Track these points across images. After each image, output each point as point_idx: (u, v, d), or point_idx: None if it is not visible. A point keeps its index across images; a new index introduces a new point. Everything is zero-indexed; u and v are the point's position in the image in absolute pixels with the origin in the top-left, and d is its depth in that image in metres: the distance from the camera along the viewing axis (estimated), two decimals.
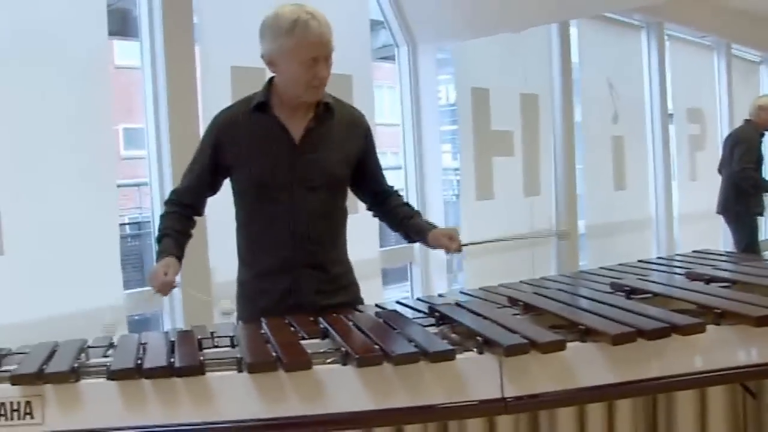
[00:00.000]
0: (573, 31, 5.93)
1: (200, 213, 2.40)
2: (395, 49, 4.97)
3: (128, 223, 7.10)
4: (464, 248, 2.42)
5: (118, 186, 3.47)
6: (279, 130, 2.27)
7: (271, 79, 2.30)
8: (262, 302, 2.29)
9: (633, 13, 6.46)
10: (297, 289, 2.27)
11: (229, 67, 3.72)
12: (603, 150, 6.25)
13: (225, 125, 2.31)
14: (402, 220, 2.47)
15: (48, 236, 3.08)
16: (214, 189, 2.38)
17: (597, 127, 6.18)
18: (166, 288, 2.15)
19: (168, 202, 2.38)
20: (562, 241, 2.36)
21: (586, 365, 1.68)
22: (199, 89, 3.61)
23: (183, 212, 2.34)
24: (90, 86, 3.24)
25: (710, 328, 1.74)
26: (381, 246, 4.53)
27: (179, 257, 2.24)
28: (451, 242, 2.35)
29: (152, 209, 3.63)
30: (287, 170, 2.25)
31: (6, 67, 2.98)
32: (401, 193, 2.59)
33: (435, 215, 4.93)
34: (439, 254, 4.94)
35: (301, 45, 2.15)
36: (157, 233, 2.32)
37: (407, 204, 2.54)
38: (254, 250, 2.33)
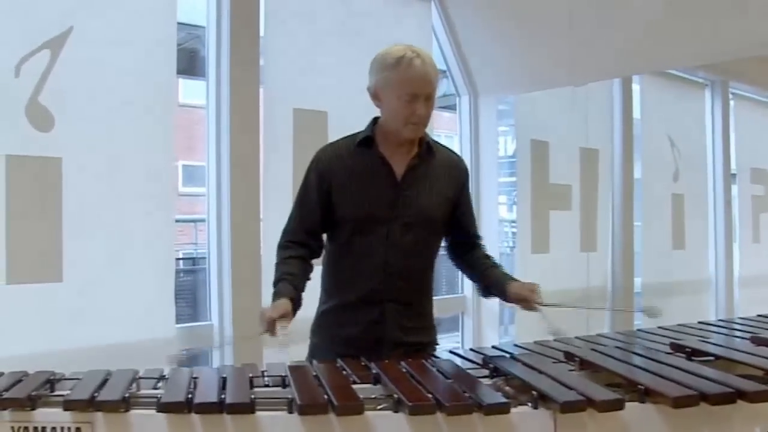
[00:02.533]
0: (635, 87, 5.88)
1: (318, 253, 2.39)
2: (456, 98, 4.98)
3: (183, 258, 7.18)
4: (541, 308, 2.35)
5: (176, 221, 3.51)
6: (382, 166, 2.30)
7: (376, 118, 2.35)
8: (346, 332, 2.30)
9: (697, 71, 6.39)
10: (382, 322, 2.28)
11: (291, 109, 3.77)
12: (662, 208, 6.13)
13: (329, 159, 2.33)
14: (483, 271, 2.47)
15: (105, 266, 3.13)
16: (325, 225, 2.36)
17: (657, 185, 6.09)
18: (271, 327, 2.11)
19: (280, 247, 2.36)
20: (651, 318, 2.33)
21: (644, 427, 1.62)
22: (261, 130, 3.66)
23: (298, 254, 2.32)
24: (155, 122, 3.31)
25: None
26: (434, 295, 4.49)
27: (293, 298, 2.20)
28: (532, 295, 2.32)
29: (208, 245, 3.67)
30: (388, 206, 2.28)
31: (80, 97, 3.07)
32: (484, 245, 2.56)
33: None
34: (492, 306, 4.90)
35: (403, 80, 2.21)
36: (274, 279, 2.29)
37: (489, 256, 2.53)
38: (343, 281, 2.34)
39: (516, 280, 2.43)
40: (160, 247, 3.33)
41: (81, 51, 3.07)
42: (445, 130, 6.11)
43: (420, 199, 2.31)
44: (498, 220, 5.16)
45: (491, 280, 2.44)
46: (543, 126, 5.21)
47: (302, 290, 2.27)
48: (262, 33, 3.70)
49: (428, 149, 2.35)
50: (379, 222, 2.28)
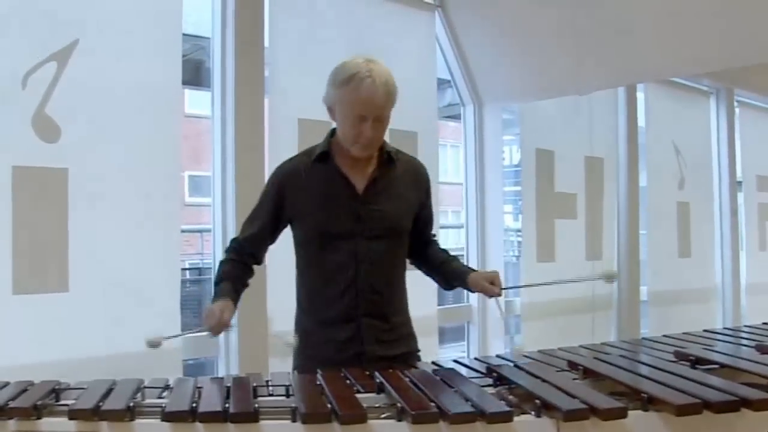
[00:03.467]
0: (640, 95, 5.88)
1: (260, 262, 2.43)
2: (461, 107, 4.99)
3: (189, 268, 7.21)
4: (505, 292, 2.41)
5: (182, 231, 3.52)
6: (341, 181, 2.29)
7: (334, 130, 2.33)
8: (324, 350, 2.29)
9: (702, 79, 6.39)
10: (358, 338, 2.28)
11: (296, 119, 3.78)
12: (668, 216, 6.12)
13: (287, 176, 2.34)
14: (441, 264, 2.48)
15: (111, 276, 3.14)
16: (274, 238, 2.41)
17: (662, 193, 6.08)
18: (219, 328, 2.16)
19: (228, 250, 2.42)
20: (608, 283, 2.31)
21: None
22: (267, 140, 3.68)
23: (243, 260, 2.38)
24: (161, 133, 3.32)
25: None
26: (439, 304, 4.49)
27: (235, 300, 2.26)
28: (492, 286, 2.33)
29: (213, 255, 3.67)
30: (351, 220, 2.27)
31: (86, 108, 3.09)
32: (438, 240, 2.59)
33: None
34: (497, 315, 4.89)
35: (351, 100, 2.18)
36: (215, 277, 2.36)
37: (444, 250, 2.53)
38: (315, 299, 2.34)
39: (474, 270, 2.45)
40: (166, 257, 3.34)
41: (87, 63, 3.08)
42: (451, 139, 6.13)
43: (385, 211, 2.29)
44: (503, 229, 5.15)
45: (452, 273, 2.45)
46: (548, 135, 5.21)
47: (241, 293, 2.33)
48: (266, 44, 3.71)
49: (389, 159, 2.33)
50: (343, 237, 2.26)
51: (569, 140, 5.30)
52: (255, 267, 2.42)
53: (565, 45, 4.20)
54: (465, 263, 2.52)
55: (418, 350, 2.43)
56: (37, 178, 2.98)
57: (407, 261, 2.52)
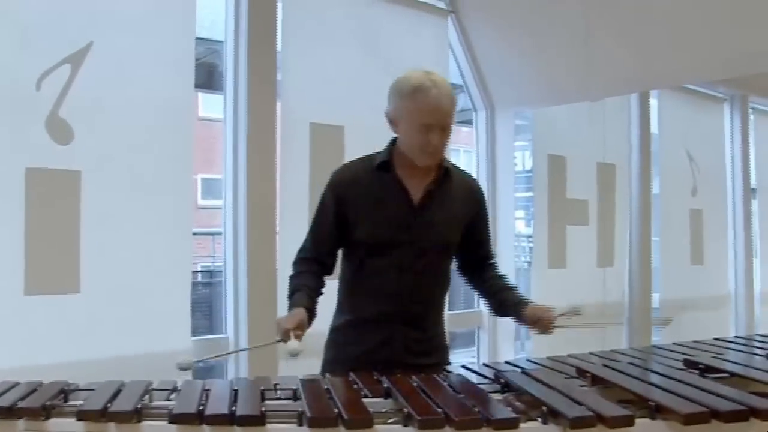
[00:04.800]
0: (653, 102, 5.86)
1: (331, 271, 2.42)
2: (473, 113, 4.99)
3: (200, 271, 7.23)
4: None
5: (194, 234, 3.53)
6: (399, 190, 2.32)
7: (394, 140, 2.36)
8: (354, 350, 2.32)
9: (716, 85, 6.36)
10: (389, 343, 2.30)
11: (308, 123, 3.80)
12: (680, 223, 6.10)
13: (347, 181, 2.35)
14: (497, 292, 2.48)
15: (123, 278, 3.16)
16: (339, 244, 2.39)
17: (675, 200, 6.05)
18: (287, 336, 2.12)
19: (296, 262, 2.41)
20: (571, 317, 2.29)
21: None
22: (278, 143, 3.69)
23: (312, 269, 2.36)
24: (174, 136, 3.34)
25: None
26: (449, 309, 4.48)
27: (308, 308, 2.23)
28: (547, 314, 2.33)
29: (224, 258, 3.69)
30: (403, 230, 2.30)
31: (99, 110, 3.11)
32: (497, 264, 2.58)
33: None
34: (508, 320, 4.87)
35: (419, 109, 2.21)
36: (288, 292, 2.33)
37: (503, 276, 2.54)
38: (356, 300, 2.37)
39: (530, 302, 2.43)
40: (178, 259, 3.36)
41: (101, 66, 3.11)
42: (463, 144, 6.12)
43: (435, 225, 2.33)
44: (515, 234, 5.14)
45: (508, 301, 2.45)
46: (560, 141, 5.20)
47: (316, 302, 2.30)
48: (279, 47, 3.73)
49: (446, 174, 2.36)
50: (393, 246, 2.29)
51: (581, 146, 5.29)
52: (325, 278, 2.40)
53: (578, 51, 4.19)
54: (520, 294, 2.49)
55: (449, 363, 2.43)
56: (50, 180, 3.01)
57: (465, 278, 2.56)
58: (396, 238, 2.29)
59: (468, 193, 2.43)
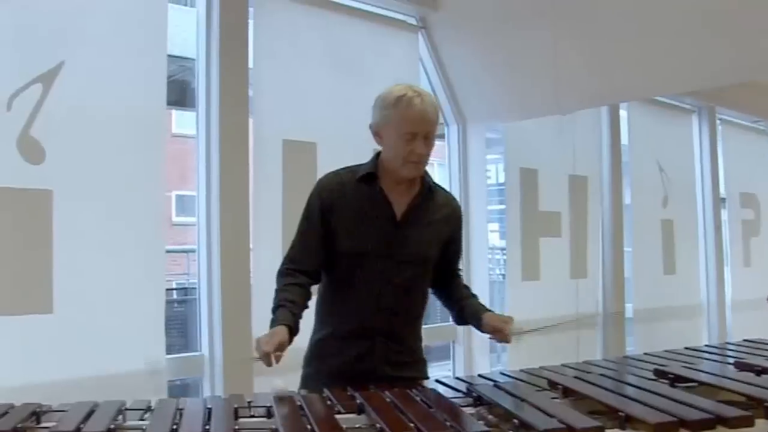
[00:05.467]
0: (623, 114, 5.94)
1: (318, 280, 2.41)
2: (445, 127, 5.02)
3: (175, 289, 7.19)
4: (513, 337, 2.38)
5: (168, 251, 3.52)
6: (383, 203, 2.35)
7: (379, 153, 2.39)
8: (334, 362, 2.33)
9: (684, 97, 6.46)
10: (370, 355, 2.32)
11: (280, 139, 3.80)
12: (652, 233, 6.17)
13: (332, 190, 2.37)
14: (459, 300, 2.53)
15: (96, 297, 3.13)
16: (325, 253, 2.37)
17: (646, 210, 6.13)
18: (266, 358, 2.09)
19: (280, 274, 2.38)
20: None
21: None
22: (251, 160, 3.69)
23: (298, 281, 2.34)
24: (146, 153, 3.33)
25: (759, 422, 1.68)
26: (424, 323, 4.49)
27: (290, 325, 2.20)
28: (505, 326, 2.35)
29: (198, 275, 3.68)
30: (385, 244, 2.32)
31: (71, 129, 3.10)
32: (462, 276, 2.64)
33: (480, 294, 4.83)
34: (483, 334, 4.89)
35: (403, 119, 2.26)
36: (273, 305, 2.30)
37: (467, 287, 2.60)
38: (336, 313, 2.38)
39: (491, 311, 2.47)
40: (151, 277, 3.34)
41: (72, 84, 3.09)
42: (437, 158, 6.14)
43: (417, 239, 2.36)
44: (488, 247, 5.17)
45: (468, 310, 2.49)
46: (532, 154, 5.25)
47: (300, 317, 2.28)
48: (250, 64, 3.74)
49: (429, 190, 2.40)
50: (375, 258, 2.32)
51: (553, 159, 5.34)
52: (311, 287, 2.40)
53: (547, 65, 4.24)
54: (481, 303, 2.53)
55: (427, 377, 2.45)
56: (22, 200, 2.98)
57: (431, 289, 2.56)
58: (377, 251, 2.31)
59: (449, 212, 2.47)
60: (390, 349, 2.34)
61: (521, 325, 2.42)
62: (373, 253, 2.31)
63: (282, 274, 2.37)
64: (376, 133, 2.35)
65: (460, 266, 2.63)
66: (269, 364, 2.08)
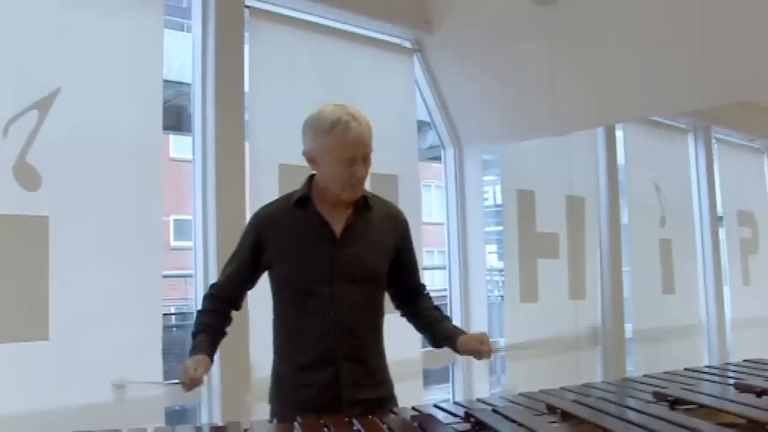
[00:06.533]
0: (619, 134, 5.95)
1: (238, 307, 2.43)
2: (442, 150, 5.04)
3: (174, 314, 7.15)
4: (495, 353, 2.38)
5: (166, 276, 3.51)
6: (320, 225, 2.31)
7: (312, 176, 2.36)
8: (302, 395, 2.27)
9: (680, 117, 6.48)
10: (336, 382, 2.26)
11: (277, 164, 3.81)
12: (650, 253, 6.17)
13: (266, 221, 2.36)
14: (431, 324, 2.46)
15: (92, 323, 3.12)
16: (253, 283, 2.41)
17: (644, 230, 6.12)
18: (192, 384, 2.13)
19: (207, 297, 2.41)
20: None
21: None
22: (248, 184, 3.69)
23: (221, 308, 2.38)
24: (143, 178, 3.33)
25: None
26: (422, 347, 4.48)
27: (211, 355, 2.26)
28: (482, 346, 2.30)
29: (195, 300, 3.66)
30: (328, 264, 2.27)
31: (67, 155, 3.10)
32: (430, 294, 2.56)
33: (479, 316, 4.89)
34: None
35: (340, 144, 2.22)
36: (193, 328, 2.34)
37: (437, 308, 2.52)
38: (293, 343, 2.33)
39: (464, 332, 2.42)
40: (148, 303, 3.33)
41: (69, 110, 3.10)
42: (435, 180, 6.17)
43: (360, 255, 2.31)
44: (486, 269, 5.16)
45: (441, 334, 2.42)
46: (529, 175, 5.26)
47: (217, 345, 2.33)
48: (246, 89, 3.75)
49: (365, 203, 2.36)
50: (321, 281, 2.27)
51: (550, 180, 5.35)
52: (234, 312, 2.42)
53: (543, 87, 4.26)
54: (453, 324, 2.47)
55: (395, 397, 2.41)
56: (18, 226, 2.98)
57: (399, 311, 2.53)
58: (322, 273, 2.27)
59: (390, 222, 2.42)
60: (355, 371, 2.28)
61: (516, 341, 2.39)
62: (318, 277, 2.27)
63: (207, 297, 2.42)
64: (310, 160, 2.30)
65: (422, 281, 2.56)
66: (188, 389, 2.12)
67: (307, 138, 2.30)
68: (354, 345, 2.29)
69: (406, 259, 2.46)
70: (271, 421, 2.24)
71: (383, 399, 2.32)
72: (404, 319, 2.55)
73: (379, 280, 2.38)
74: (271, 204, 2.42)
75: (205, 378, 2.18)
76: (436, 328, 2.44)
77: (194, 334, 2.31)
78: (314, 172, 2.35)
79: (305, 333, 2.29)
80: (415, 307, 2.50)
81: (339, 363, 2.26)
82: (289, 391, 2.31)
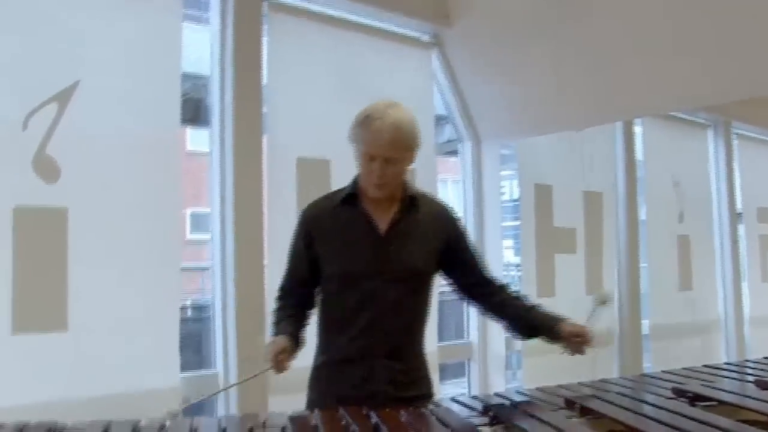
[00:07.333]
0: (637, 129, 5.91)
1: (310, 306, 2.43)
2: (459, 144, 5.02)
3: (190, 306, 7.18)
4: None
5: (183, 269, 3.52)
6: (365, 222, 2.32)
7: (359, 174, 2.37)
8: (337, 387, 2.31)
9: (699, 112, 6.43)
10: (372, 378, 2.28)
11: (294, 157, 3.81)
12: (668, 249, 6.12)
13: (312, 218, 2.38)
14: (524, 311, 2.45)
15: (111, 315, 3.14)
16: (314, 282, 2.40)
17: (662, 226, 6.08)
18: (275, 363, 2.18)
19: (277, 302, 2.45)
20: (602, 306, 2.22)
21: None
22: (265, 177, 3.70)
23: (291, 313, 2.38)
24: (161, 171, 3.34)
25: None
26: (439, 341, 4.47)
27: (293, 335, 2.28)
28: (585, 332, 2.34)
29: (213, 293, 3.68)
30: (372, 261, 2.29)
31: (86, 147, 3.12)
32: (507, 285, 2.54)
33: None
34: (498, 351, 4.87)
35: (359, 139, 2.25)
36: (272, 324, 2.37)
37: (524, 296, 2.51)
38: (333, 338, 2.36)
39: (563, 319, 2.40)
40: (166, 295, 3.34)
41: (88, 103, 3.12)
42: (452, 174, 6.16)
43: (403, 254, 2.31)
44: (503, 264, 5.15)
45: (536, 321, 2.41)
46: (546, 170, 5.23)
47: (300, 331, 2.33)
48: (264, 81, 3.75)
49: (411, 202, 2.35)
50: (364, 278, 2.28)
51: (567, 175, 5.32)
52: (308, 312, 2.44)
53: (561, 81, 4.24)
54: (550, 312, 2.46)
55: (433, 394, 2.42)
56: (38, 218, 3.00)
57: (475, 307, 2.55)
58: (365, 270, 2.28)
59: (438, 219, 2.41)
60: (393, 369, 2.30)
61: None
62: (361, 273, 2.28)
63: (276, 302, 2.44)
64: (355, 152, 2.32)
65: (492, 275, 2.51)
66: (279, 370, 2.17)
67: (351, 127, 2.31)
68: (391, 342, 2.31)
69: (461, 257, 2.45)
70: (307, 409, 2.28)
71: (420, 397, 2.32)
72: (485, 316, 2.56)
73: (422, 280, 2.38)
74: (317, 201, 2.44)
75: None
76: (529, 315, 2.43)
77: (273, 327, 2.35)
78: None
79: (345, 328, 2.32)
80: (495, 298, 2.47)
81: (375, 360, 2.29)
82: (326, 382, 2.35)
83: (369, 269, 2.28)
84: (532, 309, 2.45)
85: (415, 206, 2.36)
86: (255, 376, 2.31)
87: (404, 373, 2.33)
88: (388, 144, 2.20)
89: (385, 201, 2.32)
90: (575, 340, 2.35)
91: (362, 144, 2.23)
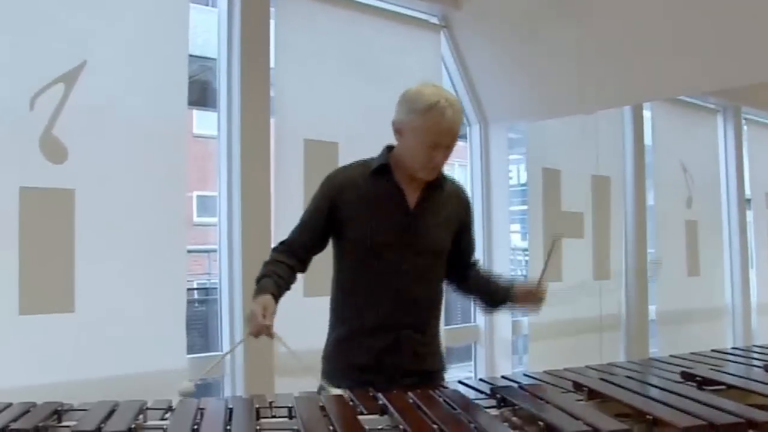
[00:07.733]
0: (646, 114, 5.88)
1: (304, 268, 2.42)
2: (467, 127, 5.00)
3: (197, 288, 7.20)
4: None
5: (189, 252, 3.52)
6: (397, 194, 2.33)
7: (390, 147, 2.38)
8: (359, 358, 2.31)
9: (708, 96, 6.38)
10: (397, 349, 2.30)
11: (302, 139, 3.80)
12: (676, 234, 6.10)
13: (343, 185, 2.36)
14: (488, 282, 2.53)
15: (117, 296, 3.14)
16: (321, 247, 2.40)
17: (670, 211, 6.06)
18: (261, 331, 2.13)
19: (276, 250, 2.40)
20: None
21: None
22: (272, 160, 3.69)
23: (289, 262, 2.35)
24: (168, 153, 3.33)
25: None
26: (446, 324, 4.47)
27: (276, 296, 2.22)
28: (538, 287, 2.42)
29: (220, 275, 3.68)
30: (400, 233, 2.31)
31: (93, 128, 3.11)
32: (479, 263, 2.64)
33: None
34: (505, 335, 4.87)
35: (430, 128, 2.22)
36: (258, 275, 2.31)
37: (488, 270, 2.62)
38: (355, 308, 2.36)
39: (516, 282, 2.49)
40: (172, 277, 3.35)
41: (94, 84, 3.11)
42: (458, 158, 6.13)
43: (430, 228, 2.34)
44: (510, 248, 5.13)
45: (495, 290, 2.50)
46: (554, 154, 5.21)
47: (282, 294, 2.27)
48: (272, 64, 3.73)
49: (437, 181, 2.37)
50: (390, 248, 2.30)
51: (576, 159, 5.30)
52: (299, 274, 2.41)
53: (570, 64, 4.21)
54: (506, 279, 2.57)
55: (445, 369, 2.46)
56: (44, 199, 3.00)
57: (451, 286, 2.57)
58: (392, 240, 2.30)
59: (458, 200, 2.47)
60: (414, 340, 2.33)
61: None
62: (388, 244, 2.30)
63: (276, 250, 2.40)
64: (398, 131, 2.31)
65: (477, 258, 2.62)
66: (270, 336, 2.13)
67: (401, 110, 2.30)
68: (416, 314, 2.34)
69: (465, 239, 2.51)
70: (323, 379, 2.28)
71: (436, 372, 2.39)
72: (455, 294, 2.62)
73: (443, 255, 2.42)
74: (345, 167, 2.43)
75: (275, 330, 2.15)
76: (491, 287, 2.51)
77: (258, 279, 2.28)
78: (393, 143, 2.37)
79: (368, 298, 2.32)
80: (466, 276, 2.55)
81: (400, 331, 2.31)
82: (347, 354, 2.35)
83: (396, 240, 2.30)
84: (489, 280, 2.54)
85: (441, 184, 2.39)
86: (242, 341, 2.29)
87: (425, 345, 2.36)
88: (457, 132, 2.28)
89: (414, 176, 2.33)
90: (529, 298, 2.44)
91: (428, 132, 2.23)
